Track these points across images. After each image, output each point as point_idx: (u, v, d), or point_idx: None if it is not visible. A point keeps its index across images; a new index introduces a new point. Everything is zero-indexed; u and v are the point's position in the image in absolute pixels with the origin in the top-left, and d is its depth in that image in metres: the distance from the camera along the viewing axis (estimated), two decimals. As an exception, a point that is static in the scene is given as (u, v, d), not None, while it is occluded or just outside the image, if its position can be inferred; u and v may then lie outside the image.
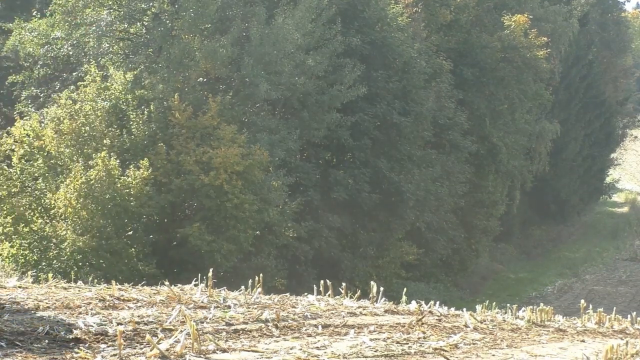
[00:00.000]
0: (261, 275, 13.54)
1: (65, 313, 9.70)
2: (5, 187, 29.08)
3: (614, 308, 16.21)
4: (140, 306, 10.67)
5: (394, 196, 40.40)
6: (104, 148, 29.27)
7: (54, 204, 28.63)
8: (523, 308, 14.29)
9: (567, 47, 65.35)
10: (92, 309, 10.07)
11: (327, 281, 14.15)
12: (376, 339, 10.04)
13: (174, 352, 8.22)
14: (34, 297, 10.62)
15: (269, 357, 8.61)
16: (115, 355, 8.01)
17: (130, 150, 30.76)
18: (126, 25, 35.24)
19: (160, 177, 30.12)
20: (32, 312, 9.67)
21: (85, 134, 29.86)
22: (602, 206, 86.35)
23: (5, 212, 28.96)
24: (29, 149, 30.01)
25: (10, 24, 38.04)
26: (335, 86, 36.95)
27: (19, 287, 11.62)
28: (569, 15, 63.09)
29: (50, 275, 14.48)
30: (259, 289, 12.87)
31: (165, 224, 31.00)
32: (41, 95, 38.50)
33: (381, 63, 41.60)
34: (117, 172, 28.43)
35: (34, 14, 38.60)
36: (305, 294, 14.01)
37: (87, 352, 8.00)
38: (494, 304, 15.53)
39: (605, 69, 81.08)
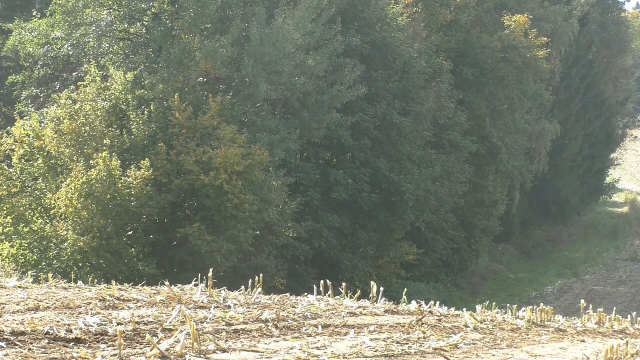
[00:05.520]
0: (261, 275, 13.55)
1: (65, 313, 9.70)
2: (5, 187, 29.07)
3: (614, 308, 16.22)
4: (140, 306, 10.68)
5: (393, 196, 40.40)
6: (104, 148, 29.27)
7: (54, 204, 28.64)
8: (523, 308, 14.29)
9: (567, 47, 65.31)
10: (92, 309, 10.07)
11: (327, 281, 14.16)
12: (376, 339, 10.04)
13: (174, 352, 8.22)
14: (34, 297, 10.62)
15: (269, 357, 8.62)
16: (115, 355, 8.01)
17: (131, 150, 30.77)
18: (126, 25, 35.24)
19: (160, 177, 30.12)
20: (32, 312, 9.67)
21: (85, 134, 29.86)
22: (602, 206, 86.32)
23: (5, 212, 28.95)
24: (29, 149, 30.01)
25: (10, 24, 38.05)
26: (335, 86, 36.94)
27: (19, 287, 11.63)
28: (569, 15, 63.03)
29: (50, 275, 14.47)
30: (259, 289, 12.87)
31: (165, 224, 31.00)
32: (41, 95, 38.50)
33: (381, 63, 41.60)
34: (118, 173, 28.44)
35: (34, 14, 38.64)
36: (305, 294, 14.02)
37: (87, 352, 8.00)
38: (494, 304, 15.53)
39: (605, 69, 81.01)
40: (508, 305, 15.57)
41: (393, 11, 43.13)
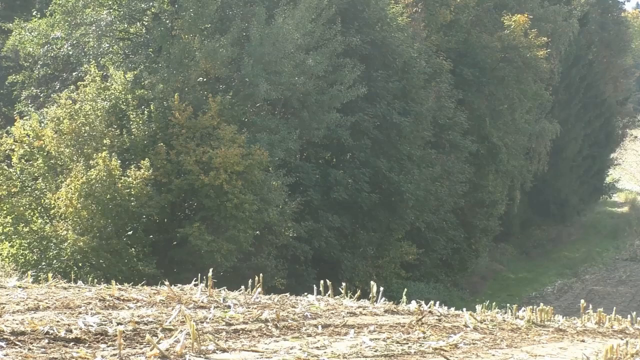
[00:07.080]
0: (261, 275, 13.55)
1: (65, 313, 9.70)
2: (5, 187, 29.07)
3: (614, 308, 16.22)
4: (140, 306, 10.68)
5: (393, 196, 40.40)
6: (104, 148, 29.27)
7: (54, 204, 28.64)
8: (523, 308, 14.29)
9: (567, 47, 65.31)
10: (92, 309, 10.07)
11: (327, 281, 14.15)
12: (376, 339, 10.04)
13: (174, 352, 8.22)
14: (34, 297, 10.63)
15: (268, 357, 8.62)
16: (115, 355, 8.02)
17: (130, 150, 30.77)
18: (126, 25, 35.23)
19: (160, 177, 30.13)
20: (32, 312, 9.67)
21: (85, 134, 29.85)
22: (602, 206, 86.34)
23: (5, 212, 28.95)
24: (29, 149, 30.00)
25: (10, 24, 38.01)
26: (335, 86, 36.94)
27: (19, 287, 11.63)
28: (569, 15, 63.02)
29: (50, 275, 14.47)
30: (259, 289, 12.87)
31: (165, 224, 31.01)
32: (41, 95, 38.48)
33: (381, 63, 41.60)
34: (118, 173, 28.44)
35: (34, 14, 38.55)
36: (305, 294, 14.02)
37: (87, 352, 8.00)
38: (494, 304, 15.54)
39: (605, 69, 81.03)
40: (508, 305, 15.58)
41: (393, 11, 43.13)
